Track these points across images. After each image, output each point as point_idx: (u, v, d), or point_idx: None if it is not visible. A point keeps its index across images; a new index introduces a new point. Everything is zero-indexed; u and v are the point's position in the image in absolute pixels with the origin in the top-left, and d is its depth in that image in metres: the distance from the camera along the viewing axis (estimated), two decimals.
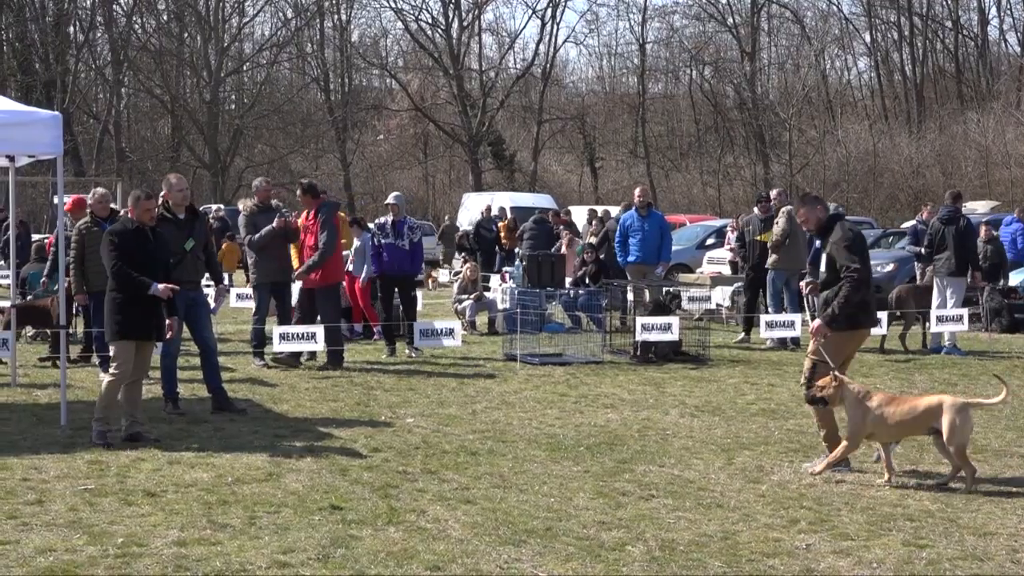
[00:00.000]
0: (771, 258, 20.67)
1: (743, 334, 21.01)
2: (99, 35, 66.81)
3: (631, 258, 21.33)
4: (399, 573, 7.83)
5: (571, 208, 39.02)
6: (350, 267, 21.19)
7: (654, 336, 18.21)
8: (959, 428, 10.16)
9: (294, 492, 10.05)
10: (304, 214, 18.04)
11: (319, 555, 8.20)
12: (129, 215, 12.54)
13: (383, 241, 18.85)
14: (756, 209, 21.77)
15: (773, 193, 21.92)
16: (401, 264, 18.93)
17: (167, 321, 12.41)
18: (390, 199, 19.49)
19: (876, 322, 13.31)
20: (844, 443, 10.62)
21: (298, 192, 18.23)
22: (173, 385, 13.85)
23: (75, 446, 11.76)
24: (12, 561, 8.05)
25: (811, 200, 11.68)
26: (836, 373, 10.64)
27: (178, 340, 13.87)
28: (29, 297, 18.87)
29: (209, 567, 7.93)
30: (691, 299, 24.42)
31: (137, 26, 66.42)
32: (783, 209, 20.61)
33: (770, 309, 20.95)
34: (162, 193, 13.86)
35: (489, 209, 35.60)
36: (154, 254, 12.36)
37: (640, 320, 18.42)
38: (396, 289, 19.15)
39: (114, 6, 65.17)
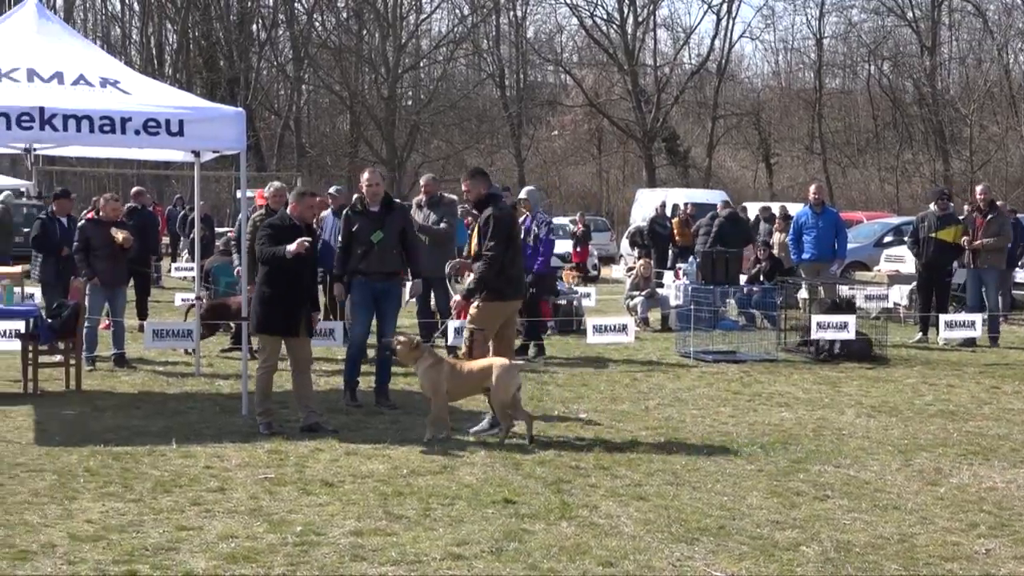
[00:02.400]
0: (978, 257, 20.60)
1: (920, 334, 20.65)
2: (281, 33, 68.05)
3: (805, 256, 21.10)
4: (571, 568, 7.84)
5: (746, 204, 38.64)
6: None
7: (830, 334, 18.00)
8: (504, 385, 11.79)
9: (468, 485, 10.13)
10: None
11: (492, 548, 8.25)
12: (290, 211, 12.78)
13: None
14: (933, 206, 21.34)
15: (979, 189, 21.78)
16: (527, 261, 18.48)
17: (313, 315, 12.68)
18: (522, 194, 19.25)
19: (524, 295, 13.82)
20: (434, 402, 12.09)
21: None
22: (354, 375, 14.04)
23: (256, 435, 12.00)
24: (195, 547, 8.23)
25: (478, 174, 12.81)
26: (418, 339, 12.56)
27: (365, 330, 14.04)
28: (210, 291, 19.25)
29: (384, 557, 8.03)
30: (868, 297, 24.02)
31: (317, 24, 67.41)
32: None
33: (967, 308, 20.78)
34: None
35: (663, 205, 35.42)
36: (303, 252, 12.53)
37: (815, 318, 18.21)
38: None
39: (295, 4, 66.34)
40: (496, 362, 12.00)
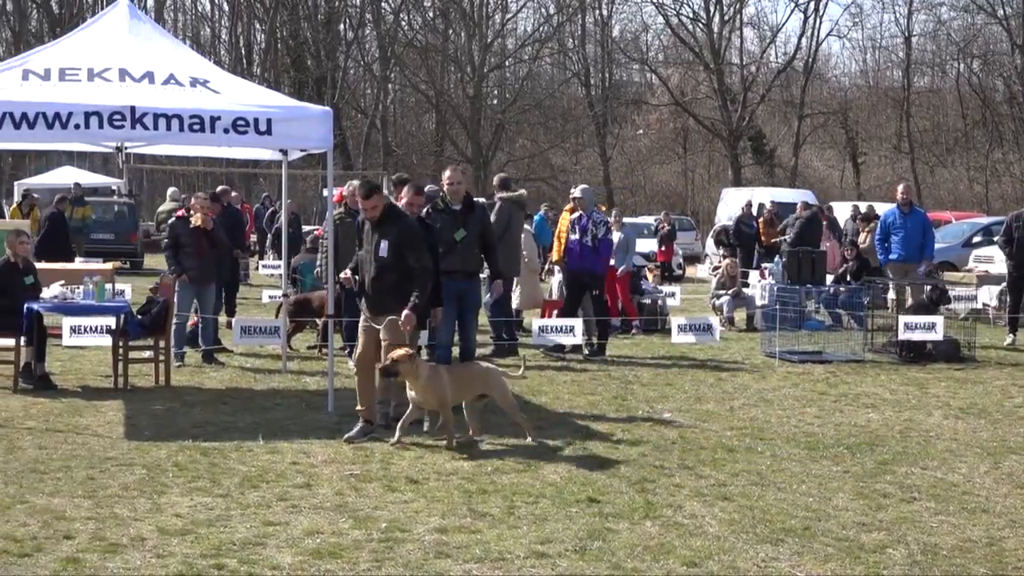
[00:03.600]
0: None
1: (1011, 336, 20.39)
2: (368, 32, 68.39)
3: (893, 256, 20.90)
4: (655, 568, 7.83)
5: (833, 204, 38.36)
6: (612, 260, 21.27)
7: (917, 335, 17.84)
8: (505, 390, 11.94)
9: (552, 483, 10.13)
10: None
11: (576, 547, 8.25)
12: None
13: (570, 237, 18.54)
14: None
15: None
16: (583, 261, 18.42)
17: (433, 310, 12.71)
18: (575, 192, 19.06)
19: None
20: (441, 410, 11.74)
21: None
22: None
23: (341, 432, 12.06)
24: (282, 542, 8.30)
25: (375, 191, 12.03)
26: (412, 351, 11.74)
27: (450, 330, 14.08)
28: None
29: (468, 554, 8.05)
30: (957, 298, 23.76)
31: (404, 23, 67.68)
32: None
33: None
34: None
35: (749, 204, 35.22)
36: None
37: (903, 319, 18.04)
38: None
39: (382, 4, 66.66)
40: (490, 369, 12.12)
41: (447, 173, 14.29)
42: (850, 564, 7.95)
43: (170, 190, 29.21)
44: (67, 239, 29.65)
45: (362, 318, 11.96)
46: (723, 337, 19.29)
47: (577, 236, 18.25)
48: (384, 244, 11.60)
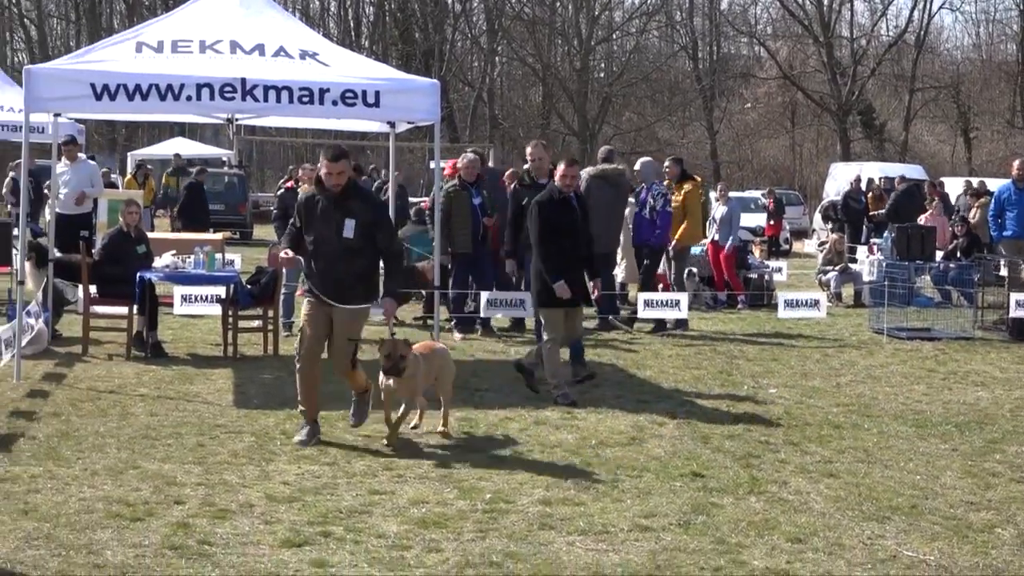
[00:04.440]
0: None
1: None
2: (475, 5, 68.37)
3: (1007, 233, 20.56)
4: (759, 543, 7.79)
5: (944, 179, 37.81)
6: (716, 236, 21.16)
7: None
8: (451, 377, 11.28)
9: (656, 457, 10.12)
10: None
11: (680, 521, 8.23)
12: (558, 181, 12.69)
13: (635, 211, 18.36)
14: None
15: None
16: (643, 234, 18.32)
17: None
18: (636, 166, 18.86)
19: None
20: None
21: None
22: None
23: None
24: (387, 510, 8.37)
25: (342, 156, 10.60)
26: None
27: None
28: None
29: (572, 527, 8.06)
30: None
31: None
32: None
33: None
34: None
35: (858, 179, 34.82)
36: (576, 223, 12.55)
37: (1015, 296, 17.77)
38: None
39: None
40: (446, 351, 11.45)
41: (529, 149, 14.19)
42: (957, 543, 7.86)
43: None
44: (206, 208, 30.03)
45: (306, 308, 10.59)
46: (830, 313, 19.13)
47: (638, 209, 18.24)
48: (349, 224, 10.28)
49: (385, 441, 10.46)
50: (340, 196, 10.35)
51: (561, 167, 12.79)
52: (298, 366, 10.68)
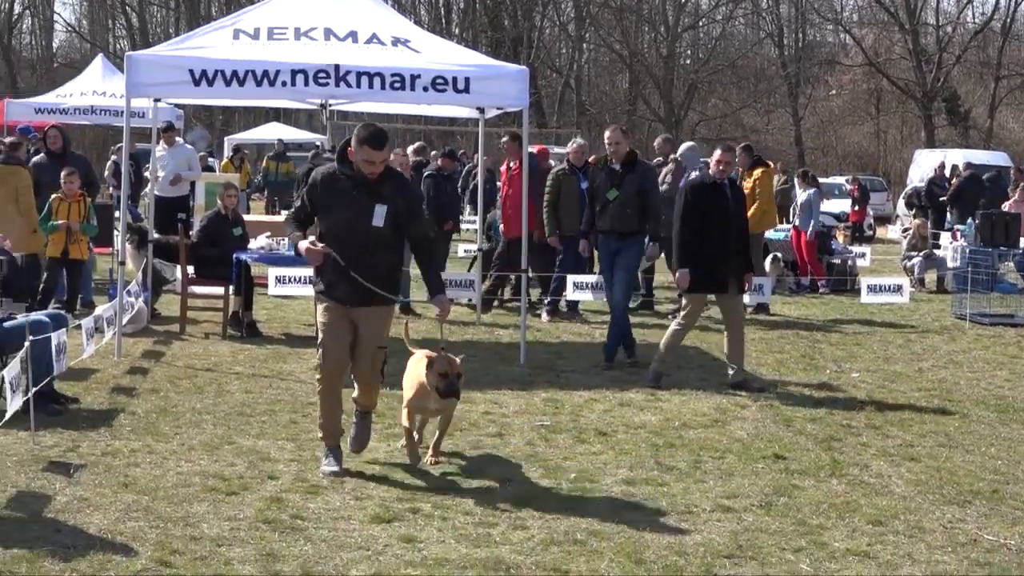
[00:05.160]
0: None
1: None
2: None
3: None
4: (840, 525, 7.76)
5: None
6: (797, 221, 21.00)
7: None
8: None
9: (738, 439, 10.10)
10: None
11: (761, 502, 8.21)
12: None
13: None
14: None
15: None
16: None
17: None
18: (679, 151, 18.56)
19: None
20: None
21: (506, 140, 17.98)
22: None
23: (532, 384, 12.15)
24: (473, 488, 8.42)
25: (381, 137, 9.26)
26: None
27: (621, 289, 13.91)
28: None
29: (655, 506, 8.07)
30: None
31: None
32: None
33: None
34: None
35: (942, 166, 34.40)
36: (728, 210, 12.40)
37: None
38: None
39: None
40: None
41: (607, 133, 14.00)
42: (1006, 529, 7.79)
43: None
44: None
45: (323, 315, 8.87)
46: (913, 298, 18.95)
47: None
48: (380, 211, 8.63)
49: (411, 460, 9.09)
50: (378, 181, 8.71)
51: (717, 153, 12.65)
52: (320, 386, 8.98)
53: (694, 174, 17.65)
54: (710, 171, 12.60)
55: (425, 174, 17.83)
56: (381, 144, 8.66)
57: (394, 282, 8.96)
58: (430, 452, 9.21)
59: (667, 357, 12.42)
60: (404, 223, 8.84)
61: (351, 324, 8.79)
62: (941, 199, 31.30)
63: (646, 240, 13.78)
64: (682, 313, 12.53)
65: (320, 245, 8.61)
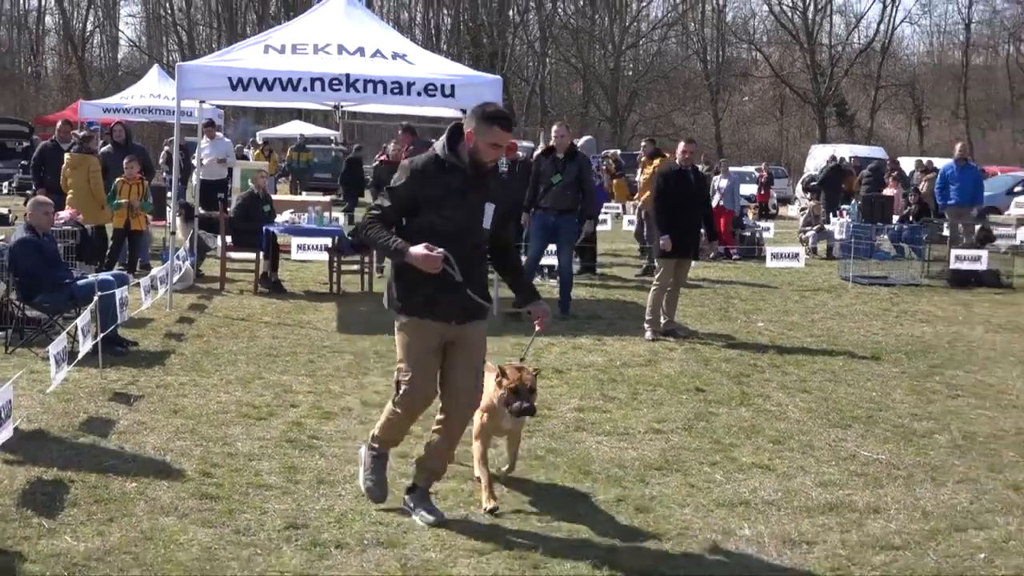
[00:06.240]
0: None
1: None
2: (531, 17, 68.01)
3: (950, 201, 20.36)
4: (747, 443, 7.78)
5: (900, 159, 37.29)
6: (721, 202, 20.98)
7: (966, 265, 17.40)
8: None
9: (667, 376, 10.11)
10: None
11: (685, 425, 8.23)
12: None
13: None
14: None
15: None
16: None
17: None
18: (579, 143, 18.20)
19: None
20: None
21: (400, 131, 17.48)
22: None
23: (504, 332, 12.11)
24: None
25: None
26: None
27: (536, 253, 13.59)
28: None
29: (600, 429, 8.08)
30: (999, 236, 23.09)
31: (560, 10, 67.21)
32: None
33: None
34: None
35: (833, 158, 34.37)
36: (692, 195, 12.28)
37: (954, 252, 17.64)
38: None
39: None
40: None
41: (555, 128, 13.79)
42: (903, 446, 7.82)
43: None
44: (363, 178, 29.65)
45: (415, 337, 5.98)
46: (807, 264, 18.97)
47: None
48: (490, 210, 5.98)
49: (488, 507, 6.17)
50: (489, 174, 6.02)
51: (682, 145, 12.63)
52: (397, 416, 6.15)
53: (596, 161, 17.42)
54: (677, 160, 12.59)
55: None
56: (511, 124, 6.09)
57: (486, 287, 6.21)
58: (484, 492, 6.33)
59: (654, 314, 12.22)
60: (506, 223, 6.25)
61: (442, 347, 6.04)
62: (812, 184, 31.51)
63: (582, 217, 13.67)
64: (656, 276, 12.43)
65: (438, 250, 5.74)
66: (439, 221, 5.85)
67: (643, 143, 20.01)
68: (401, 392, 6.02)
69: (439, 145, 5.98)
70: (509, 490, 6.59)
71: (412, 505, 6.15)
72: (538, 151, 15.55)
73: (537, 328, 6.23)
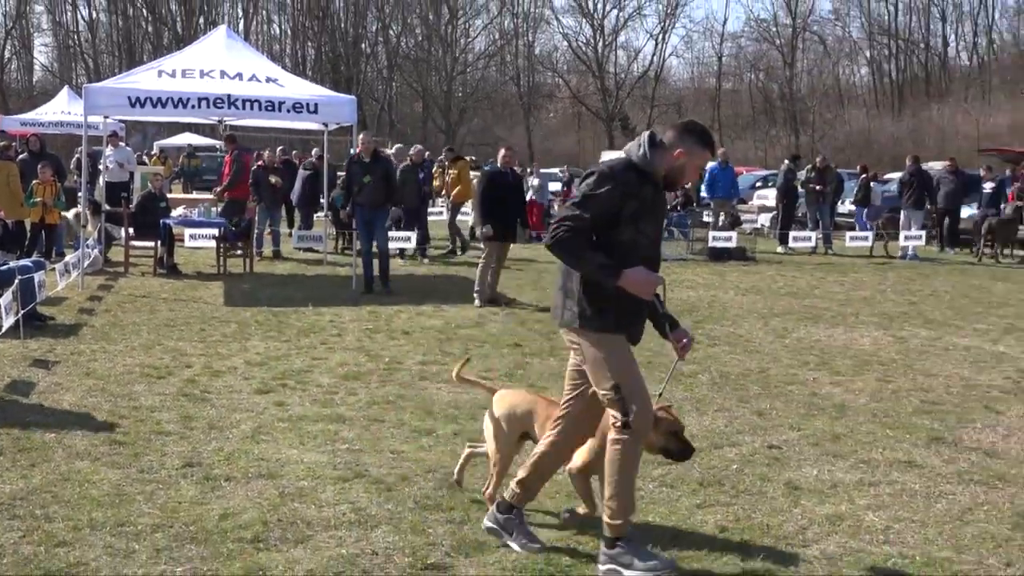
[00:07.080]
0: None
1: (781, 246, 20.52)
2: (380, 49, 67.18)
3: (717, 195, 21.22)
4: (556, 387, 7.83)
5: None
6: (535, 196, 21.11)
7: (720, 243, 18.00)
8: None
9: (492, 335, 10.16)
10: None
11: (507, 373, 8.30)
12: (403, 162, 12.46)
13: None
14: (787, 162, 21.76)
15: (818, 159, 21.56)
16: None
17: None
18: (392, 150, 18.01)
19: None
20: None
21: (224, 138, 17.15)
22: (368, 271, 13.11)
23: (360, 302, 12.03)
24: (323, 370, 8.30)
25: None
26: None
27: (365, 243, 13.20)
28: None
29: (440, 378, 8.05)
30: (746, 221, 23.92)
31: (403, 43, 66.60)
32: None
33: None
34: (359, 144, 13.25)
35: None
36: (511, 191, 12.23)
37: (712, 234, 18.22)
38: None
39: (389, 31, 65.57)
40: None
41: (361, 136, 13.33)
42: (672, 385, 8.03)
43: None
44: (317, 192, 28.38)
45: (624, 350, 4.64)
46: None
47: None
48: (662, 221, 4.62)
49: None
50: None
51: (503, 151, 12.60)
52: (627, 449, 4.35)
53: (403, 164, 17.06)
54: (499, 163, 12.61)
55: (305, 173, 17.64)
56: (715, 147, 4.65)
57: None
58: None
59: (482, 285, 12.12)
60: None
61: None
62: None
63: (391, 208, 13.71)
64: (484, 255, 12.39)
65: (656, 275, 4.37)
66: (638, 238, 4.27)
67: (444, 150, 20.47)
68: (633, 414, 4.28)
69: (637, 153, 4.33)
70: (366, 428, 6.55)
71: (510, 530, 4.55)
72: (348, 158, 15.09)
73: (680, 356, 4.65)
